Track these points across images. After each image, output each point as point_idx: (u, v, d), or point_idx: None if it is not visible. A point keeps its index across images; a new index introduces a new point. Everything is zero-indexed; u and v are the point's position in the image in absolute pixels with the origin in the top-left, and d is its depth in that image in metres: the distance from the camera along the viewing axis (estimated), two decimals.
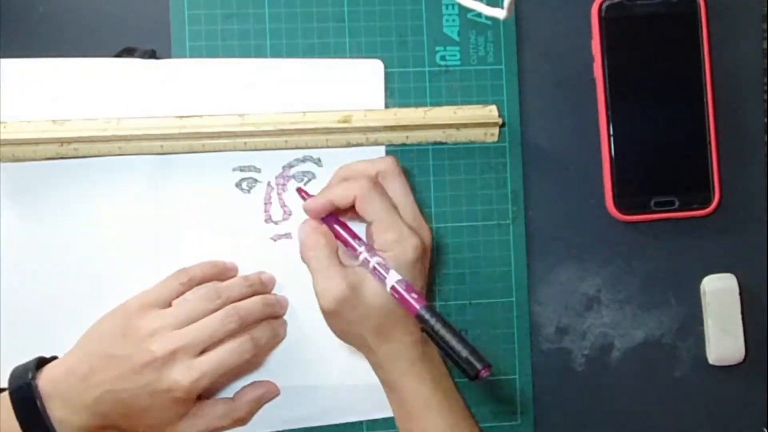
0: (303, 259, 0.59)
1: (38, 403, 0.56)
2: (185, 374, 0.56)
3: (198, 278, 0.60)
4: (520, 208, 0.66)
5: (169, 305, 0.59)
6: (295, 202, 0.63)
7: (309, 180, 0.64)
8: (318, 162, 0.64)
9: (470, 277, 0.65)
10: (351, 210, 0.59)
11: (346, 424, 0.65)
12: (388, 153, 0.64)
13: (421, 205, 0.61)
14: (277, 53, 0.64)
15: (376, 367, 0.60)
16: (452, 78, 0.65)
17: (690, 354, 0.67)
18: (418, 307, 0.55)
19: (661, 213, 0.66)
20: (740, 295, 0.66)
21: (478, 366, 0.53)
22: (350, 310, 0.57)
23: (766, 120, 0.67)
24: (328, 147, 0.63)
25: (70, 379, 0.57)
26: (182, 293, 0.59)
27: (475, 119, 0.63)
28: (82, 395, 0.56)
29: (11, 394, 0.56)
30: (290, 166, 0.64)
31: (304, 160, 0.64)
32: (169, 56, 0.64)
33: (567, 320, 0.67)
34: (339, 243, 0.59)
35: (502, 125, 0.64)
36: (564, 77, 0.66)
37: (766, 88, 0.67)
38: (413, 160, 0.65)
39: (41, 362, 0.58)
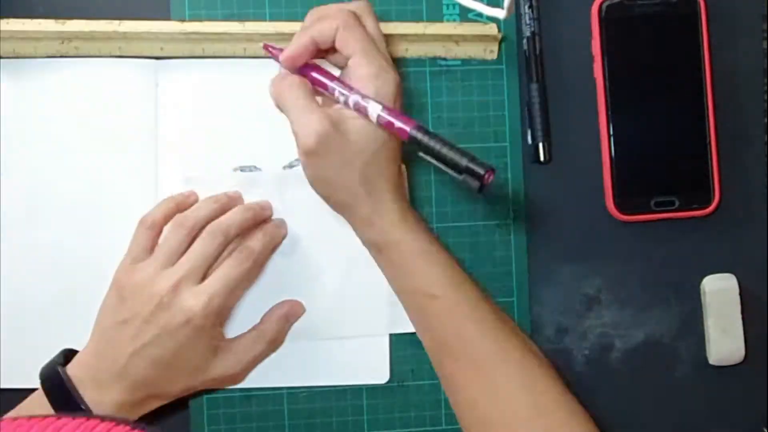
0: (278, 104, 0.57)
1: (68, 387, 0.56)
2: (195, 300, 0.56)
3: (161, 220, 0.60)
4: (521, 208, 0.66)
5: (150, 253, 0.59)
6: None
7: None
8: None
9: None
10: (324, 53, 0.57)
11: (346, 390, 0.64)
12: None
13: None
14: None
15: (364, 225, 0.58)
16: (453, 78, 0.65)
17: (690, 354, 0.67)
18: (409, 128, 0.52)
19: (661, 213, 0.65)
20: (740, 295, 0.66)
21: (481, 171, 0.50)
22: (333, 151, 0.55)
23: (766, 120, 0.67)
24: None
25: (94, 359, 0.57)
26: (155, 239, 0.59)
27: (474, 33, 0.63)
28: (110, 369, 0.56)
29: (43, 386, 0.57)
30: (291, 166, 0.64)
31: None
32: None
33: (567, 320, 0.67)
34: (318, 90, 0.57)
35: (503, 134, 0.64)
36: (564, 77, 0.66)
37: (766, 88, 0.67)
38: (414, 160, 0.65)
39: (68, 356, 0.58)
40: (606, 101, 0.65)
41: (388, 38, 0.61)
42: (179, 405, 0.62)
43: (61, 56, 0.63)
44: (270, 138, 0.63)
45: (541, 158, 0.65)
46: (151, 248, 0.59)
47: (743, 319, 0.66)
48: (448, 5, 0.65)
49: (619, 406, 0.67)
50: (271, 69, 0.60)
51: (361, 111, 0.55)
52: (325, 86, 0.57)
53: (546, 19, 0.66)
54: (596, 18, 0.65)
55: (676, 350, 0.67)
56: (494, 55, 0.65)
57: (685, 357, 0.67)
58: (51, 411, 0.56)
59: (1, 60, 0.62)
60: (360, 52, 0.55)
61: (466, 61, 0.65)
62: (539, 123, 0.65)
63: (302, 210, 0.63)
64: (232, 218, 0.59)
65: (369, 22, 0.57)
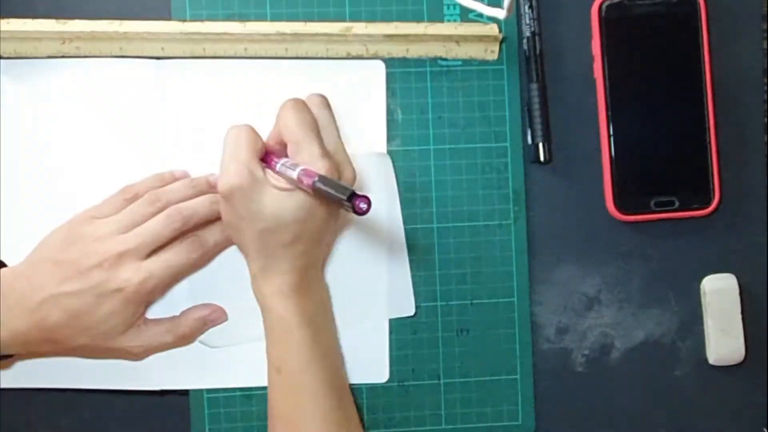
0: (223, 144, 0.58)
1: None
2: (134, 274, 0.57)
3: (142, 193, 0.60)
4: (522, 209, 0.66)
5: None
6: None
7: None
8: None
9: (471, 277, 0.65)
10: None
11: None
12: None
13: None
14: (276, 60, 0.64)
15: (252, 279, 0.60)
16: (454, 78, 0.65)
17: (690, 354, 0.67)
18: (313, 181, 0.52)
19: (661, 213, 0.66)
20: (740, 295, 0.66)
21: (343, 197, 0.50)
22: (243, 201, 0.56)
23: (766, 120, 0.67)
24: (328, 58, 0.63)
25: (16, 282, 0.57)
26: (125, 207, 0.60)
27: (475, 33, 0.63)
28: (26, 299, 0.56)
29: None
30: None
31: None
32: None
33: (567, 320, 0.67)
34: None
35: (504, 135, 0.65)
36: (564, 77, 0.66)
37: (766, 88, 0.67)
38: (415, 161, 0.65)
39: None
40: (606, 101, 0.65)
41: (389, 38, 0.62)
42: (178, 406, 0.63)
43: (62, 56, 0.63)
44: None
45: (541, 158, 0.65)
46: (115, 213, 0.60)
47: (743, 319, 0.66)
48: (448, 5, 0.65)
49: (619, 406, 0.67)
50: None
51: (288, 178, 0.55)
52: (272, 166, 0.58)
53: (546, 19, 0.66)
54: (596, 18, 0.65)
55: (676, 350, 0.67)
56: (495, 56, 0.65)
57: (685, 357, 0.67)
58: None
59: (2, 60, 0.62)
60: (294, 140, 0.57)
61: (466, 62, 0.65)
62: (539, 123, 0.65)
63: None
64: (197, 206, 0.59)
65: (321, 112, 0.59)
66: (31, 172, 0.63)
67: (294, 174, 0.54)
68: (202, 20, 0.63)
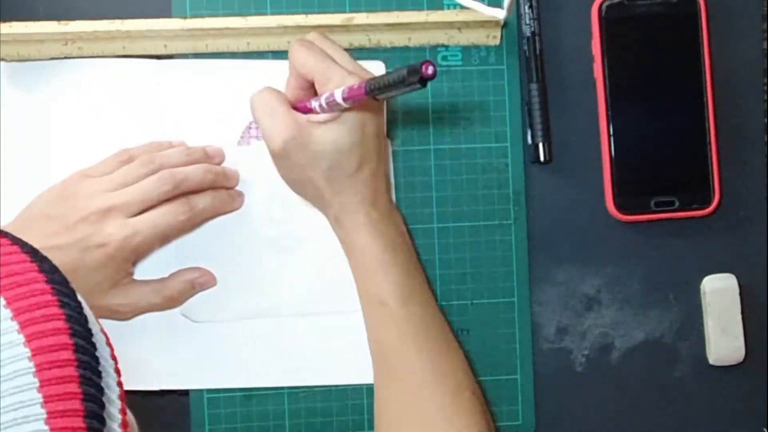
0: (253, 112, 0.58)
1: None
2: (119, 230, 0.57)
3: (139, 156, 0.60)
4: (522, 209, 0.66)
5: None
6: None
7: None
8: None
9: (472, 277, 0.65)
10: None
11: (346, 389, 0.64)
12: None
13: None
14: (279, 54, 0.64)
15: (333, 222, 0.60)
16: (454, 78, 0.65)
17: (690, 354, 0.67)
18: (364, 84, 0.52)
19: (661, 213, 0.66)
20: (740, 295, 0.66)
21: (418, 66, 0.48)
22: (299, 150, 0.57)
23: (766, 120, 0.67)
24: None
25: (9, 228, 0.57)
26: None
27: (477, 19, 0.63)
28: None
29: None
30: None
31: None
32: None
33: (567, 320, 0.67)
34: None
35: (504, 135, 0.64)
36: (564, 77, 0.66)
37: (766, 88, 0.67)
38: (415, 161, 0.65)
39: None
40: (606, 101, 0.65)
41: (390, 28, 0.62)
42: (178, 405, 0.63)
43: (65, 57, 0.63)
44: None
45: (541, 158, 0.65)
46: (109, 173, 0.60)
47: (743, 319, 0.66)
48: (448, 5, 0.65)
49: (619, 406, 0.67)
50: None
51: (332, 104, 0.55)
52: (309, 108, 0.58)
53: (546, 19, 0.66)
54: (596, 18, 0.65)
55: (676, 350, 0.67)
56: (497, 41, 0.65)
57: (685, 357, 0.67)
58: None
59: (2, 62, 0.62)
60: (317, 72, 0.57)
61: (467, 61, 0.65)
62: (539, 123, 0.65)
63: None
64: (190, 172, 0.60)
65: (325, 43, 0.59)
66: (32, 173, 0.63)
67: (339, 97, 0.54)
68: (203, 17, 0.63)
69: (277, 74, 0.63)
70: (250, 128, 0.64)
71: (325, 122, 0.56)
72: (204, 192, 0.61)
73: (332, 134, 0.56)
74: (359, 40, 0.64)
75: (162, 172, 0.59)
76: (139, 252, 0.59)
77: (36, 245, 0.56)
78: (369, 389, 0.65)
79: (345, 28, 0.63)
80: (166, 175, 0.59)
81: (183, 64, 0.64)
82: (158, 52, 0.63)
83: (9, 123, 0.62)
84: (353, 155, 0.57)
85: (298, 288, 0.64)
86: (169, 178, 0.58)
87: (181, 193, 0.59)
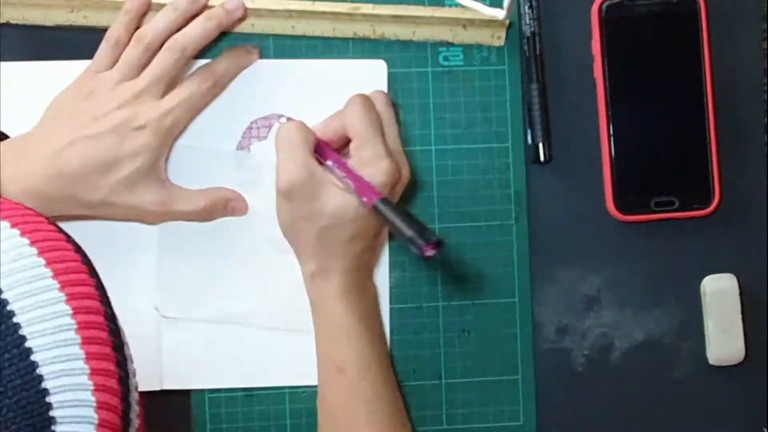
0: (276, 145, 0.59)
1: None
2: (153, 110, 0.58)
3: (123, 35, 0.60)
4: (523, 209, 0.66)
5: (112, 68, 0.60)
6: None
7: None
8: None
9: (473, 277, 0.65)
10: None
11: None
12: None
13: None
14: (280, 54, 0.64)
15: (309, 278, 0.60)
16: (455, 78, 0.65)
17: (690, 354, 0.67)
18: (374, 202, 0.53)
19: (661, 213, 0.66)
20: (740, 295, 0.66)
21: (420, 242, 0.51)
22: (303, 200, 0.57)
23: (766, 120, 0.67)
24: (334, 38, 0.63)
25: (24, 142, 0.58)
26: (117, 55, 0.60)
27: (482, 18, 0.63)
28: (42, 151, 0.57)
29: None
30: None
31: None
32: None
33: (567, 320, 0.67)
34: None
35: (505, 135, 0.64)
36: (564, 77, 0.66)
37: (766, 88, 0.67)
38: (417, 161, 0.65)
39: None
40: (606, 101, 0.65)
41: (396, 19, 0.62)
42: (179, 405, 0.63)
43: (70, 25, 0.62)
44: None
45: (541, 158, 0.65)
46: (113, 63, 0.60)
47: (743, 319, 0.66)
48: (450, 5, 0.65)
49: (619, 406, 0.67)
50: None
51: (345, 182, 0.57)
52: (327, 156, 0.59)
53: (546, 19, 0.66)
54: (596, 18, 0.65)
55: (676, 350, 0.67)
56: (501, 42, 0.65)
57: (685, 357, 0.67)
58: None
59: (2, 62, 0.62)
60: (358, 136, 0.58)
61: (468, 62, 0.65)
62: (539, 123, 0.65)
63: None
64: (190, 33, 0.59)
65: (384, 110, 0.60)
66: None
67: (352, 184, 0.55)
68: None
69: (276, 74, 0.63)
70: (251, 128, 0.64)
71: (340, 186, 0.57)
72: (220, 56, 0.62)
73: (340, 200, 0.57)
74: (364, 30, 0.63)
75: (168, 43, 0.59)
76: (173, 130, 0.59)
77: (66, 139, 0.56)
78: None
79: (350, 16, 0.62)
80: (172, 44, 0.59)
81: None
82: None
83: (9, 123, 0.62)
84: (350, 228, 0.58)
85: (296, 289, 0.63)
86: (175, 46, 0.59)
87: (189, 57, 0.60)
